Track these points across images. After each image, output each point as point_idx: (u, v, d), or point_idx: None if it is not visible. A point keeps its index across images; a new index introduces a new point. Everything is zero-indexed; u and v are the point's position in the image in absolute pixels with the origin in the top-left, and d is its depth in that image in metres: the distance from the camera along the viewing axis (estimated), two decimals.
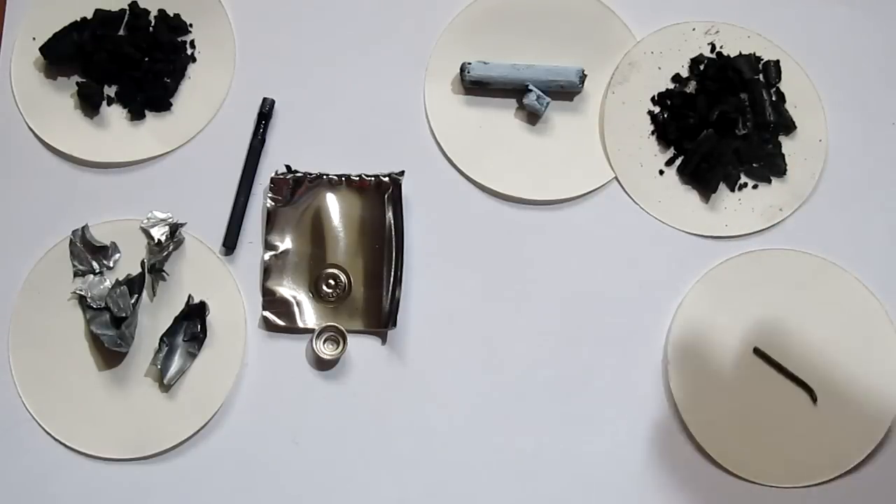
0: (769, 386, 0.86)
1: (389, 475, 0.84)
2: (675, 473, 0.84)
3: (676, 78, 0.93)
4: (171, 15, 0.92)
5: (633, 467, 0.84)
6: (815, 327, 0.87)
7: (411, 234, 0.89)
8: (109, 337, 0.84)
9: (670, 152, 0.92)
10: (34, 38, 0.92)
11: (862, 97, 0.93)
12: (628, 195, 0.91)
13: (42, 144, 0.90)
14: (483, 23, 0.94)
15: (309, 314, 0.87)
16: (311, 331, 0.86)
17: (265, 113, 0.90)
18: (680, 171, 0.91)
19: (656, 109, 0.92)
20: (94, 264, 0.87)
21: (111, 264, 0.87)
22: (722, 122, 0.90)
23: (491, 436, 0.85)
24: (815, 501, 0.84)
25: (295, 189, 0.89)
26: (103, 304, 0.85)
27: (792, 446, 0.85)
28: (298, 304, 0.87)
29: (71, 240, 0.87)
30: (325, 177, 0.89)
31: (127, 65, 0.90)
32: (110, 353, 0.85)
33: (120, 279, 0.86)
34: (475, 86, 0.92)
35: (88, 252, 0.87)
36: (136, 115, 0.91)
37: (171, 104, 0.91)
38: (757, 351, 0.86)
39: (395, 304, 0.86)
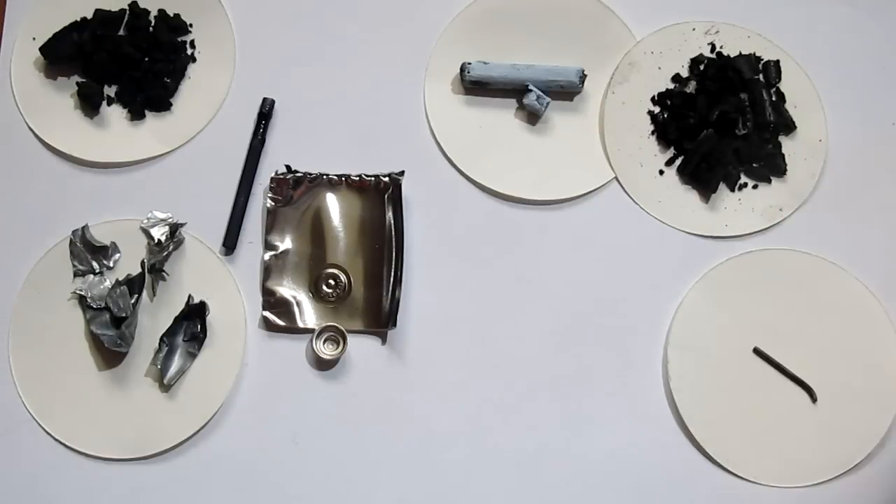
0: (769, 386, 0.86)
1: (389, 475, 0.84)
2: (675, 473, 0.84)
3: (676, 78, 0.93)
4: (171, 15, 0.92)
5: (633, 467, 0.84)
6: (814, 327, 0.87)
7: (411, 234, 0.89)
8: (109, 337, 0.84)
9: (670, 152, 0.92)
10: (34, 38, 0.92)
11: (862, 97, 0.93)
12: (628, 195, 0.91)
13: (42, 144, 0.90)
14: (483, 23, 0.94)
15: (309, 314, 0.87)
16: (311, 331, 0.86)
17: (265, 113, 0.90)
18: (680, 171, 0.91)
19: (656, 109, 0.92)
20: (94, 264, 0.87)
21: (111, 264, 0.87)
22: (722, 122, 0.90)
23: (491, 436, 0.85)
24: (815, 501, 0.84)
25: (295, 189, 0.89)
26: (103, 304, 0.85)
27: (792, 446, 0.85)
28: (298, 304, 0.87)
29: (71, 240, 0.87)
30: (325, 177, 0.89)
31: (127, 65, 0.90)
32: (110, 353, 0.85)
33: (120, 279, 0.86)
34: (475, 86, 0.92)
35: (88, 252, 0.87)
36: (136, 115, 0.91)
37: (171, 104, 0.91)
38: (757, 351, 0.86)
39: (395, 304, 0.86)
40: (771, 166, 0.91)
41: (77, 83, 0.91)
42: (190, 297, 0.85)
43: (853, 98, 0.93)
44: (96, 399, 0.84)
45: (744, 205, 0.90)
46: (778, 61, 0.93)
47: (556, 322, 0.87)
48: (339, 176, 0.89)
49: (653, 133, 0.92)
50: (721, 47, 0.94)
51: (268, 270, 0.88)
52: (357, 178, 0.89)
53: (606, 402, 0.86)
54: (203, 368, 0.85)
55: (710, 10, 0.95)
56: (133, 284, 0.86)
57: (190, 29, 0.93)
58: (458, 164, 0.90)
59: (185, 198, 0.89)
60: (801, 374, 0.86)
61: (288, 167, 0.89)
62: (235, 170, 0.90)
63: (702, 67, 0.93)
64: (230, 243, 0.88)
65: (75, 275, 0.87)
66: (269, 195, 0.88)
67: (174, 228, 0.87)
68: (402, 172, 0.89)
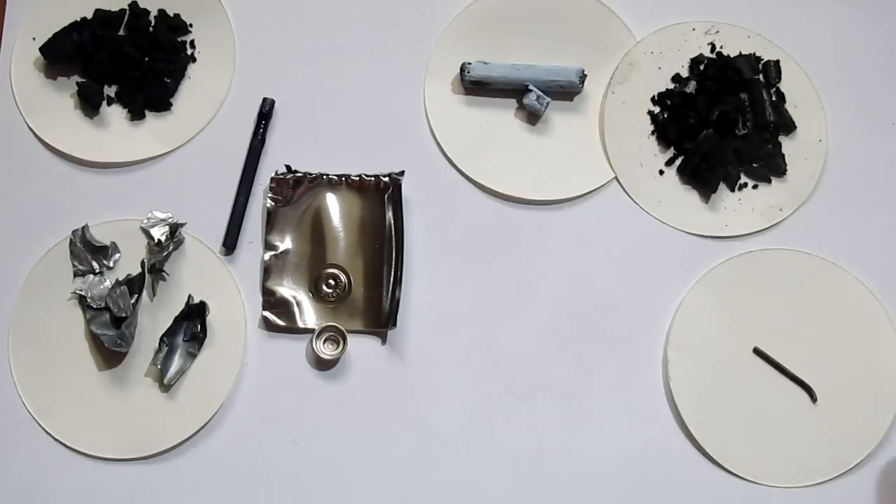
0: (769, 385, 0.86)
1: (389, 475, 0.84)
2: (675, 473, 0.84)
3: (676, 78, 0.93)
4: (171, 15, 0.92)
5: (633, 467, 0.84)
6: (814, 327, 0.87)
7: (411, 234, 0.89)
8: (109, 337, 0.84)
9: (670, 152, 0.92)
10: (34, 38, 0.92)
11: (862, 97, 0.93)
12: (628, 195, 0.91)
13: (42, 144, 0.90)
14: (483, 23, 0.94)
15: (309, 314, 0.87)
16: (311, 331, 0.86)
17: (265, 113, 0.90)
18: (680, 171, 0.91)
19: (656, 109, 0.92)
20: (94, 264, 0.87)
21: (111, 264, 0.87)
22: (722, 122, 0.90)
23: (491, 436, 0.85)
24: (815, 501, 0.84)
25: (295, 189, 0.89)
26: (103, 304, 0.85)
27: (792, 446, 0.85)
28: (298, 304, 0.87)
29: (71, 240, 0.87)
30: (325, 177, 0.89)
31: (127, 65, 0.90)
32: (110, 353, 0.85)
33: (120, 279, 0.86)
34: (475, 86, 0.92)
35: (88, 252, 0.87)
36: (136, 115, 0.91)
37: (171, 104, 0.91)
38: (757, 351, 0.86)
39: (395, 304, 0.86)
40: (771, 166, 0.91)
41: (77, 83, 0.91)
42: (190, 297, 0.85)
43: (853, 98, 0.93)
44: (96, 399, 0.84)
45: (744, 205, 0.90)
46: (778, 61, 0.93)
47: (555, 322, 0.87)
48: (339, 176, 0.89)
49: (653, 133, 0.92)
50: (721, 47, 0.94)
51: (268, 270, 0.88)
52: (357, 178, 0.89)
53: (606, 402, 0.86)
54: (203, 368, 0.85)
55: (710, 10, 0.95)
56: (133, 284, 0.86)
57: (190, 29, 0.93)
58: (458, 164, 0.90)
59: (185, 198, 0.89)
60: (801, 373, 0.86)
61: (288, 167, 0.89)
62: (235, 170, 0.90)
63: (702, 67, 0.93)
64: (230, 243, 0.88)
65: (75, 275, 0.87)
66: (269, 195, 0.88)
67: (174, 228, 0.87)
68: (402, 172, 0.89)
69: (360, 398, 0.85)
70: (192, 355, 0.85)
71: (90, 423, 0.84)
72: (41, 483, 0.83)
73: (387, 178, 0.89)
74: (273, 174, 0.89)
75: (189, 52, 0.92)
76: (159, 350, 0.84)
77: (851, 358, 0.87)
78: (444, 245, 0.89)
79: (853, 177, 0.92)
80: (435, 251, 0.89)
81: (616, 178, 0.91)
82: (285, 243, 0.88)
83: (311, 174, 0.89)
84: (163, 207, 0.89)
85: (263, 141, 0.90)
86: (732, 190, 0.91)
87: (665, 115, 0.92)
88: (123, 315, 0.84)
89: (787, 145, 0.92)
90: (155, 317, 0.86)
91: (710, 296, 0.88)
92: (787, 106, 0.92)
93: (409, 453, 0.84)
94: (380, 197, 0.89)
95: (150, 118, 0.91)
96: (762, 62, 0.93)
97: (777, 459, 0.84)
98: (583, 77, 0.91)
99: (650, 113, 0.92)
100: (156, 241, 0.87)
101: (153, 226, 0.88)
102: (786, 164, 0.91)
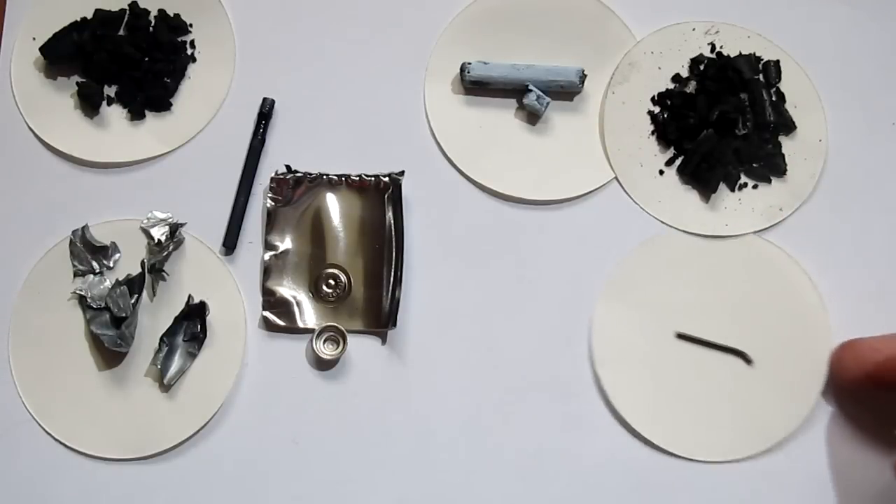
0: (703, 365, 0.86)
1: (389, 475, 0.84)
2: (675, 473, 0.84)
3: (676, 78, 0.93)
4: (171, 15, 0.92)
5: (633, 467, 0.84)
6: (734, 300, 0.87)
7: (411, 234, 0.89)
8: (109, 337, 0.84)
9: (670, 152, 0.92)
10: (34, 38, 0.92)
11: (862, 97, 0.93)
12: (628, 195, 0.91)
13: (42, 144, 0.90)
14: (483, 23, 0.94)
15: (309, 314, 0.87)
16: (311, 331, 0.86)
17: (265, 113, 0.90)
18: (680, 171, 0.91)
19: (656, 109, 0.92)
20: (94, 264, 0.87)
21: (111, 264, 0.87)
22: (722, 122, 0.90)
23: (491, 436, 0.85)
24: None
25: (295, 189, 0.89)
26: (103, 304, 0.85)
27: (746, 415, 0.85)
28: (298, 304, 0.87)
29: (71, 240, 0.87)
30: (325, 177, 0.89)
31: (127, 65, 0.90)
32: (110, 353, 0.85)
33: (120, 279, 0.86)
34: (475, 86, 0.92)
35: (88, 252, 0.87)
36: (136, 115, 0.91)
37: (171, 104, 0.91)
38: (680, 335, 0.86)
39: (395, 304, 0.86)
40: (771, 166, 0.91)
41: (77, 83, 0.91)
42: (190, 297, 0.85)
43: (853, 98, 0.93)
44: (96, 399, 0.84)
45: (744, 205, 0.90)
46: (778, 61, 0.93)
47: (555, 322, 0.87)
48: (339, 176, 0.89)
49: (653, 133, 0.92)
50: (721, 47, 0.94)
51: (268, 270, 0.88)
52: (357, 178, 0.89)
53: (607, 402, 0.86)
54: (203, 368, 0.85)
55: (710, 10, 0.95)
56: (133, 284, 0.86)
57: (190, 29, 0.93)
58: (458, 164, 0.90)
59: (185, 198, 0.89)
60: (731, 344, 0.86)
61: (288, 167, 0.89)
62: (235, 170, 0.90)
63: (702, 67, 0.93)
64: (230, 243, 0.88)
65: (75, 275, 0.87)
66: (269, 195, 0.88)
67: (174, 228, 0.87)
68: (402, 172, 0.89)
69: (360, 398, 0.85)
70: (192, 355, 0.85)
71: (90, 423, 0.84)
72: (41, 483, 0.83)
73: (387, 178, 0.89)
74: (273, 174, 0.89)
75: (189, 52, 0.92)
76: (159, 350, 0.84)
77: (776, 321, 0.87)
78: (444, 245, 0.89)
79: (853, 177, 0.92)
80: (435, 251, 0.89)
81: (616, 177, 0.91)
82: (285, 243, 0.88)
83: (311, 174, 0.89)
84: (163, 207, 0.89)
85: (263, 141, 0.90)
86: (732, 190, 0.91)
87: (665, 115, 0.92)
88: (123, 315, 0.84)
89: (787, 145, 0.92)
90: (155, 317, 0.86)
91: (621, 289, 0.87)
92: (787, 106, 0.92)
93: (409, 453, 0.84)
94: (380, 197, 0.89)
95: (150, 118, 0.91)
96: (762, 62, 0.93)
97: (735, 432, 0.84)
98: (583, 77, 0.91)
99: (650, 113, 0.92)
100: (156, 241, 0.87)
101: (153, 226, 0.88)
102: (786, 164, 0.91)
